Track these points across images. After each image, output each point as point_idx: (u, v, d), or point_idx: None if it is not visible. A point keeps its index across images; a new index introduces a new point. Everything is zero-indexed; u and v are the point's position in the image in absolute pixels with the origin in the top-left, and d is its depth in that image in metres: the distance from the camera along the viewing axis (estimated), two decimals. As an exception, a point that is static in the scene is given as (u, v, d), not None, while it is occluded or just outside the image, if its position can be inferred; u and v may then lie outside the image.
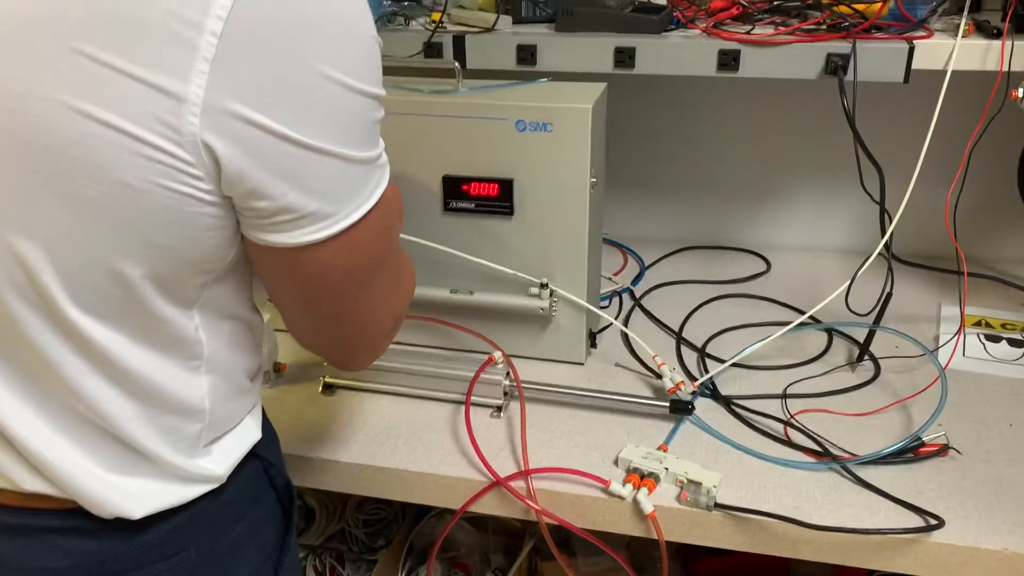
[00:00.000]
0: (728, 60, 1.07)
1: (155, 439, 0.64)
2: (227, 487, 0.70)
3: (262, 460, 0.75)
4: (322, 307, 0.67)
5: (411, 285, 0.78)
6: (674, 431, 1.01)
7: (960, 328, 1.14)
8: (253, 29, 0.51)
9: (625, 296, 1.36)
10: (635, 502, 0.90)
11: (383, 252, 0.67)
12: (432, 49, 1.16)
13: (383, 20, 1.20)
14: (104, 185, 0.53)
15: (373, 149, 0.62)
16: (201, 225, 0.57)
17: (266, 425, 0.78)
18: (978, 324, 1.21)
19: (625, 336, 1.20)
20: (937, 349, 1.14)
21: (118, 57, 0.50)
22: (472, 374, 1.05)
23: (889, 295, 1.10)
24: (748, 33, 1.09)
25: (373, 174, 0.62)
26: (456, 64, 1.08)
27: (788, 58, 1.06)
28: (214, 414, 0.68)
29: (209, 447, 0.69)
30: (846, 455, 0.95)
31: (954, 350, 1.12)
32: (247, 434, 0.73)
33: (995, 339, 1.18)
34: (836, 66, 1.03)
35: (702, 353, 1.18)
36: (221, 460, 0.70)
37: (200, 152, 0.53)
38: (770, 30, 1.10)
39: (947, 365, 1.08)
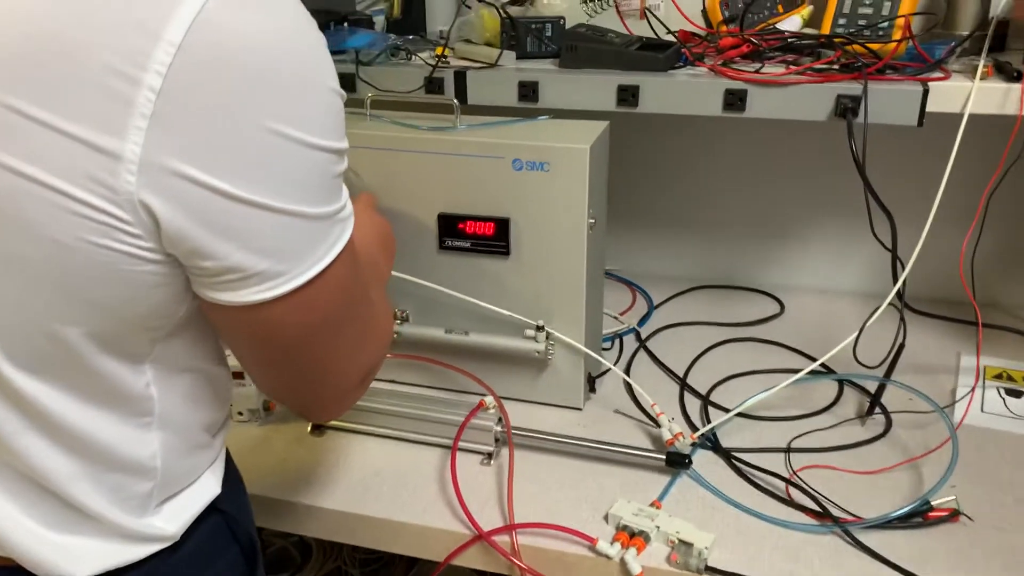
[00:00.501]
0: (734, 100, 1.04)
1: (99, 498, 0.61)
2: (184, 544, 0.67)
3: (224, 514, 0.72)
4: (280, 363, 0.64)
5: (384, 335, 0.74)
6: (670, 485, 0.97)
7: (976, 382, 1.09)
8: (195, 84, 0.49)
9: (631, 337, 1.32)
10: (623, 562, 0.86)
11: (346, 307, 0.64)
12: (433, 84, 1.14)
13: (386, 54, 1.19)
14: (36, 243, 0.51)
15: (332, 203, 0.58)
16: (143, 283, 0.55)
17: (231, 474, 0.76)
18: (999, 377, 1.16)
19: (626, 381, 1.16)
20: (952, 404, 1.09)
21: (49, 112, 0.48)
22: (463, 418, 1.02)
23: (902, 346, 1.05)
24: (757, 72, 1.05)
25: (332, 229, 0.59)
26: (454, 101, 1.06)
27: (796, 99, 1.02)
28: (167, 472, 0.65)
29: (161, 506, 0.66)
30: (849, 517, 0.90)
31: (968, 405, 1.06)
32: (205, 490, 0.70)
33: (1016, 393, 1.12)
34: (846, 108, 0.99)
35: (706, 401, 1.14)
36: (174, 518, 0.67)
37: (138, 211, 0.51)
38: (781, 69, 1.07)
39: (961, 422, 1.03)
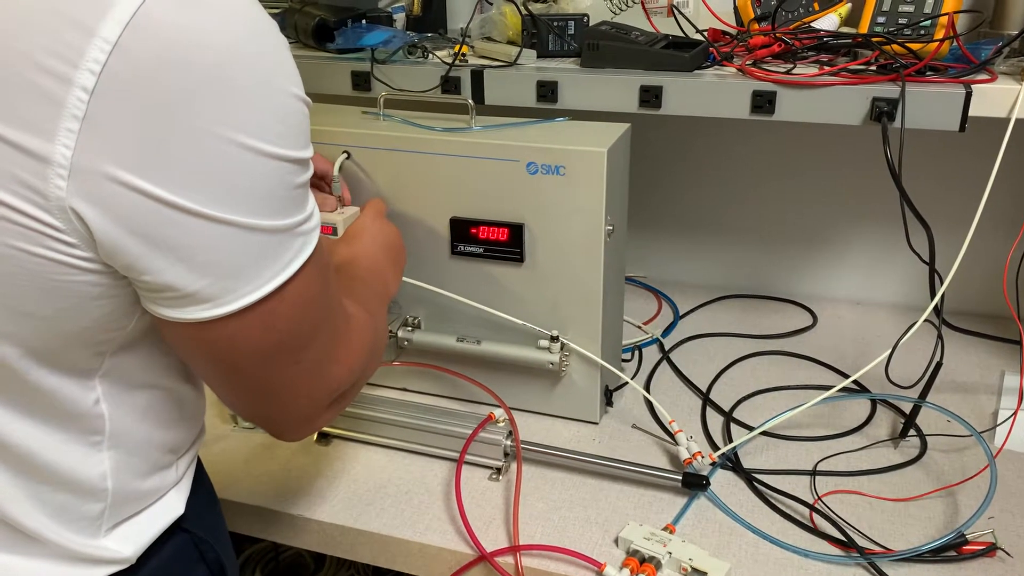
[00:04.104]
0: (763, 102, 0.98)
1: (43, 519, 0.58)
2: (144, 564, 0.64)
3: (190, 534, 0.69)
4: (238, 383, 0.60)
5: (364, 353, 0.69)
6: (685, 508, 0.92)
7: (1019, 405, 1.02)
8: (133, 85, 0.45)
9: (654, 347, 1.27)
10: (631, 590, 0.81)
11: (311, 325, 0.59)
12: (450, 83, 1.10)
13: (403, 52, 1.15)
14: None
15: (291, 216, 0.54)
16: (81, 295, 0.51)
17: (203, 491, 0.72)
18: (1045, 399, 1.08)
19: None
20: (993, 428, 1.02)
21: None
22: (471, 431, 0.98)
23: (939, 365, 0.99)
24: (788, 73, 1.00)
25: (291, 243, 0.55)
26: (469, 101, 1.02)
27: (829, 101, 0.96)
28: (120, 494, 0.61)
29: (115, 528, 0.63)
30: (877, 549, 0.85)
31: (1011, 429, 0.99)
32: (167, 511, 0.66)
33: (1064, 418, 1.05)
34: (881, 112, 0.93)
35: (729, 418, 1.08)
36: (130, 541, 0.63)
37: (70, 218, 0.47)
38: (814, 69, 1.01)
39: (1002, 448, 0.96)
